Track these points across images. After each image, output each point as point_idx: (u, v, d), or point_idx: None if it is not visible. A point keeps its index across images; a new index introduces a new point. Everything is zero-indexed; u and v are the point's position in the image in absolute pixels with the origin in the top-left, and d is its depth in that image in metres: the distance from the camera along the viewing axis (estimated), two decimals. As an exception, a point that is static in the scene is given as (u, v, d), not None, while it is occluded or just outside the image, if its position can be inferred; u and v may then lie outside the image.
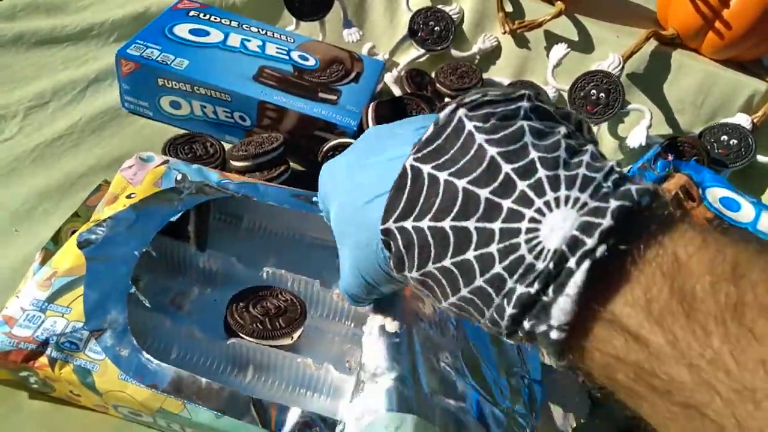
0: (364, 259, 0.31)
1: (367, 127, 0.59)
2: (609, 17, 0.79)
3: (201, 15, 0.66)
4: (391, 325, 0.39)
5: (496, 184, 0.23)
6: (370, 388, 0.36)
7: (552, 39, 0.77)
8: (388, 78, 0.76)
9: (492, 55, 0.80)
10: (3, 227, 0.49)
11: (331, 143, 0.58)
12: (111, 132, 0.60)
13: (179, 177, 0.46)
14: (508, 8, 0.78)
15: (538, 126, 0.25)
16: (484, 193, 0.23)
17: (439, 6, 0.77)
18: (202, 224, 0.48)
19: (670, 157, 0.67)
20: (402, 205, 0.27)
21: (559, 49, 0.74)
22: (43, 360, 0.36)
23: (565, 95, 0.71)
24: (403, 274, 0.28)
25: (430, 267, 0.25)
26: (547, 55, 0.75)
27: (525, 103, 0.26)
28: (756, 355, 0.17)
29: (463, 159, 0.25)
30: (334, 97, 0.62)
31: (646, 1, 0.90)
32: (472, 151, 0.25)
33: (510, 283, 0.22)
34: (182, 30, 0.63)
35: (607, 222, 0.20)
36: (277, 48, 0.65)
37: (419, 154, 0.26)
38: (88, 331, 0.37)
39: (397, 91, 0.74)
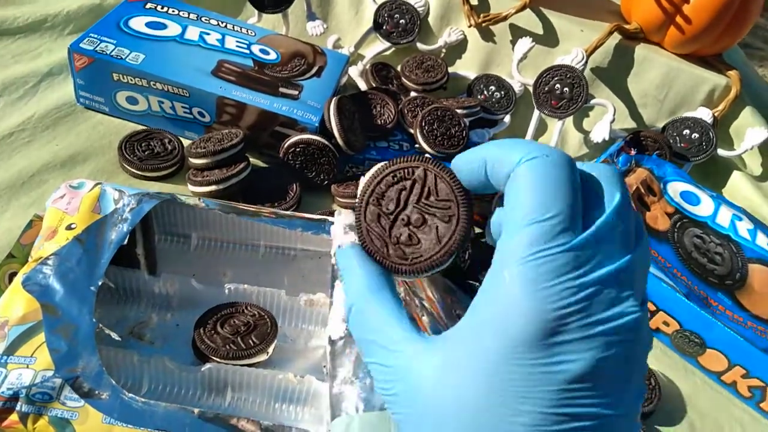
0: None
1: (329, 122, 0.58)
2: (573, 11, 0.79)
3: (158, 7, 0.64)
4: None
5: None
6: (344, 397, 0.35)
7: (517, 32, 0.77)
8: (353, 71, 0.75)
9: (458, 48, 0.79)
10: (-51, 228, 0.47)
11: (293, 139, 0.57)
12: (66, 128, 0.58)
13: (116, 196, 0.43)
14: (474, 1, 0.77)
15: None
16: None
17: (405, -1, 0.77)
18: (150, 247, 0.47)
19: (633, 152, 0.68)
20: None
21: (524, 43, 0.73)
22: (14, 417, 0.33)
23: (531, 89, 0.71)
24: None
25: None
26: (513, 49, 0.75)
27: None
28: None
29: None
30: (296, 92, 0.61)
31: (611, -5, 0.90)
32: None
33: None
34: (138, 23, 0.61)
35: None
36: (237, 41, 0.64)
37: None
38: (61, 378, 0.34)
39: (362, 85, 0.74)
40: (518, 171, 0.21)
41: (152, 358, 0.41)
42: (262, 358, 0.43)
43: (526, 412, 0.19)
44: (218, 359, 0.42)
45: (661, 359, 0.56)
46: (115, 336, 0.39)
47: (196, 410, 0.35)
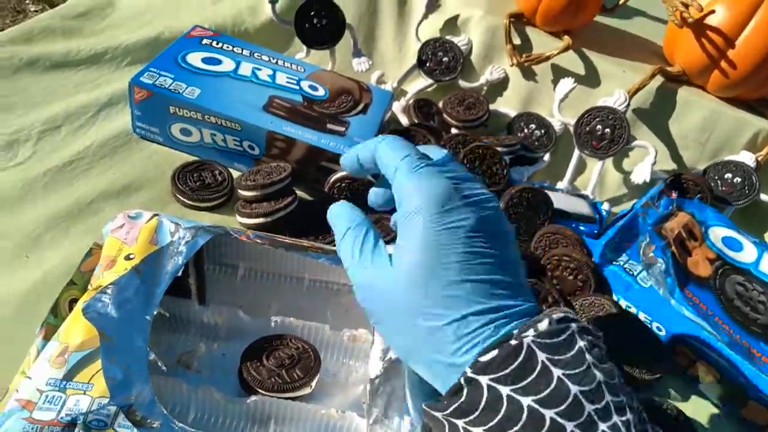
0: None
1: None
2: (615, 52, 0.79)
3: (213, 43, 0.67)
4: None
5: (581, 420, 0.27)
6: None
7: (558, 72, 0.78)
8: (396, 107, 0.76)
9: (499, 86, 0.81)
10: (13, 252, 0.50)
11: (338, 175, 0.59)
12: (122, 157, 0.61)
13: (172, 228, 0.44)
14: (516, 41, 0.79)
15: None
16: (570, 426, 0.26)
17: (448, 37, 0.79)
18: (200, 276, 0.48)
19: (674, 195, 0.68)
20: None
21: (566, 84, 0.74)
22: None
23: (571, 129, 0.72)
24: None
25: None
26: (554, 88, 0.76)
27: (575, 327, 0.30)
28: None
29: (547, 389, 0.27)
30: (343, 129, 0.62)
31: (653, 36, 0.91)
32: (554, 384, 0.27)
33: None
34: (195, 58, 0.64)
35: None
36: (288, 77, 0.66)
37: (494, 376, 0.28)
38: (116, 406, 0.36)
39: (404, 120, 0.75)
40: (378, 146, 0.35)
41: (199, 388, 0.42)
42: (306, 391, 0.44)
43: (452, 255, 0.30)
44: (264, 392, 0.43)
45: (701, 410, 0.55)
46: (161, 365, 0.40)
47: None
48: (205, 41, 0.67)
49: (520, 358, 0.28)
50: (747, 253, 0.63)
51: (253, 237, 0.46)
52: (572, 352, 0.28)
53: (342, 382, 0.47)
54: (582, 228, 0.66)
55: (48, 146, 0.59)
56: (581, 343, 0.29)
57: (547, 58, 0.76)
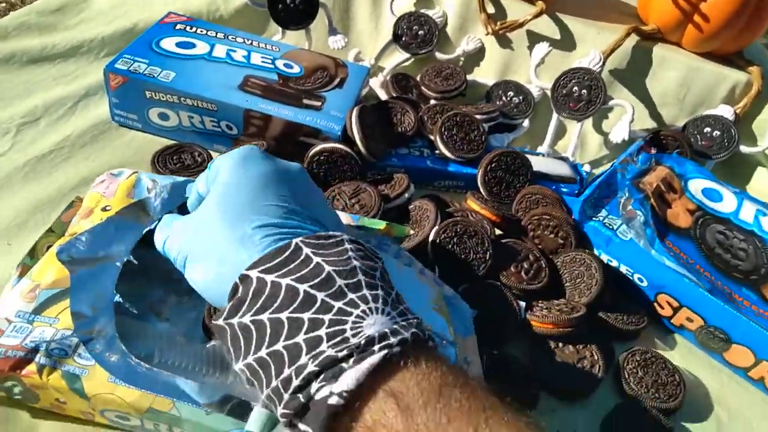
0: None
1: (351, 131, 0.60)
2: (589, 14, 0.80)
3: (187, 28, 0.68)
4: None
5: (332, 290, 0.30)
6: None
7: (534, 38, 0.78)
8: (374, 82, 0.77)
9: (476, 56, 0.81)
10: (-4, 241, 0.50)
11: (316, 148, 0.60)
12: (101, 145, 0.62)
13: (150, 184, 0.47)
14: (490, 10, 0.79)
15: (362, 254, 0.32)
16: (321, 295, 0.29)
17: (423, 10, 0.79)
18: None
19: (653, 151, 0.68)
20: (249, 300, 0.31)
21: (541, 48, 0.75)
22: (32, 367, 0.36)
23: (549, 93, 0.72)
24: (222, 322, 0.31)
25: (260, 317, 0.30)
26: (530, 54, 0.77)
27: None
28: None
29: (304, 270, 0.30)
30: (319, 103, 0.63)
31: (628, -2, 0.91)
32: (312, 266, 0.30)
33: (323, 346, 0.27)
34: (169, 43, 0.65)
35: (407, 335, 0.28)
36: (262, 57, 0.67)
37: (263, 267, 0.31)
38: (77, 338, 0.38)
39: (383, 95, 0.76)
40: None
41: (164, 333, 0.43)
42: None
43: (251, 189, 0.34)
44: None
45: (686, 356, 0.56)
46: (133, 310, 0.42)
47: (194, 382, 0.37)
48: (179, 26, 0.68)
49: (287, 252, 0.31)
50: (727, 203, 0.63)
51: None
52: (336, 249, 0.31)
53: None
54: (563, 189, 0.67)
55: (27, 138, 0.60)
56: (348, 246, 0.32)
57: (522, 24, 0.76)
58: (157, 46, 0.64)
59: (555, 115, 0.72)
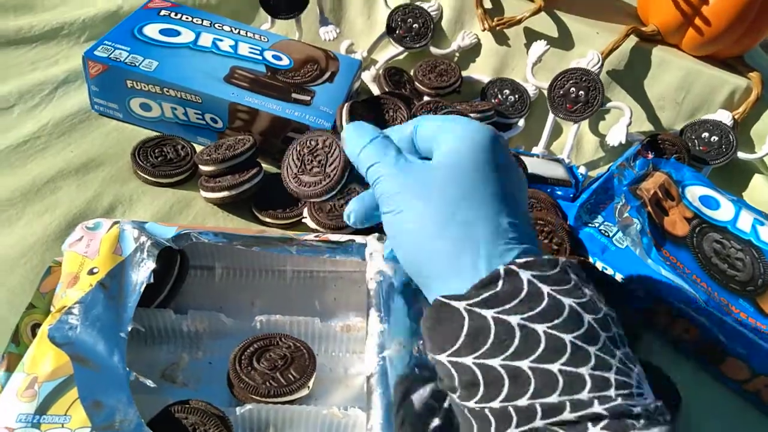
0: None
1: (340, 127, 0.58)
2: (588, 13, 0.78)
3: (172, 14, 0.65)
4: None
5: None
6: None
7: (531, 36, 0.76)
8: (366, 76, 0.75)
9: (471, 52, 0.79)
10: (-35, 235, 0.48)
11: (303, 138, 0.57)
12: (80, 135, 0.59)
13: (135, 234, 0.41)
14: (487, 5, 0.77)
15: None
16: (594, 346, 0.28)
17: (418, 3, 0.76)
18: (177, 283, 0.45)
19: (650, 155, 0.67)
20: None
21: (539, 47, 0.73)
22: None
23: (545, 92, 0.70)
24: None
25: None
26: (527, 52, 0.75)
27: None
28: None
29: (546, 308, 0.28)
30: (308, 98, 0.60)
31: (628, -3, 0.89)
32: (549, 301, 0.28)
33: (611, 392, 0.26)
34: (152, 30, 0.62)
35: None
36: (250, 48, 0.64)
37: (537, 273, 0.29)
38: None
39: (375, 90, 0.73)
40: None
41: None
42: (304, 392, 0.41)
43: (491, 176, 0.32)
44: (259, 398, 0.40)
45: (681, 367, 0.55)
46: (150, 383, 0.37)
47: None
48: (163, 12, 0.65)
49: (557, 269, 0.29)
50: (724, 211, 0.62)
51: (214, 240, 0.43)
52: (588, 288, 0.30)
53: (341, 376, 0.45)
54: (558, 192, 0.65)
55: (0, 126, 0.57)
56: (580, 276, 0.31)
57: (519, 21, 0.74)
58: (139, 33, 0.61)
59: (551, 116, 0.71)
